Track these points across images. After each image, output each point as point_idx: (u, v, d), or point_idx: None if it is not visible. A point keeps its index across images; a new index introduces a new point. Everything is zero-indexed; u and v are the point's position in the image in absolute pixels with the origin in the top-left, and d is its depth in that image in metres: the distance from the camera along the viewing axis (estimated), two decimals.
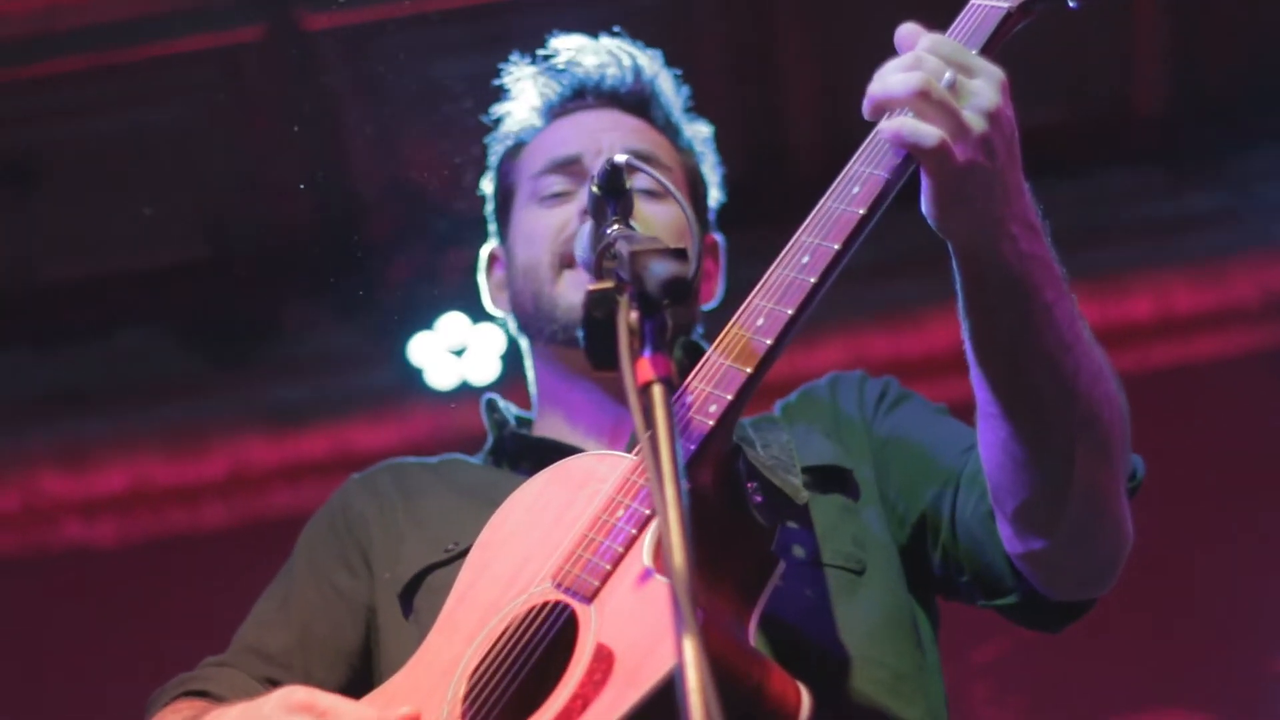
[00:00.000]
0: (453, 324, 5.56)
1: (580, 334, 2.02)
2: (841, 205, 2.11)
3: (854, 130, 2.15)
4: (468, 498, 2.57)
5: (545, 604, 2.08)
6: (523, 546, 2.18)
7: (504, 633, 2.10)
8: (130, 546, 5.87)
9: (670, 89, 2.91)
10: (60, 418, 5.82)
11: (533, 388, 2.87)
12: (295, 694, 2.15)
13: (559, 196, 2.77)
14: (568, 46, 2.91)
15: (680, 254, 1.95)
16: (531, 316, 2.77)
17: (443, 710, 2.07)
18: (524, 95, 2.91)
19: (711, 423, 2.05)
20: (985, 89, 2.06)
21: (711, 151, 2.96)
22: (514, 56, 2.96)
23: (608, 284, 1.99)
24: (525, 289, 2.77)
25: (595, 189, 2.22)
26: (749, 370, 2.08)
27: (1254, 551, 5.68)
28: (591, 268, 2.15)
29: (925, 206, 2.10)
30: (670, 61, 2.95)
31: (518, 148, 2.91)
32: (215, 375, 5.85)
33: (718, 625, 1.98)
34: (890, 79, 2.06)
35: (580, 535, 2.10)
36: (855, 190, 2.11)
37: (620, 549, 2.04)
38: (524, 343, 2.88)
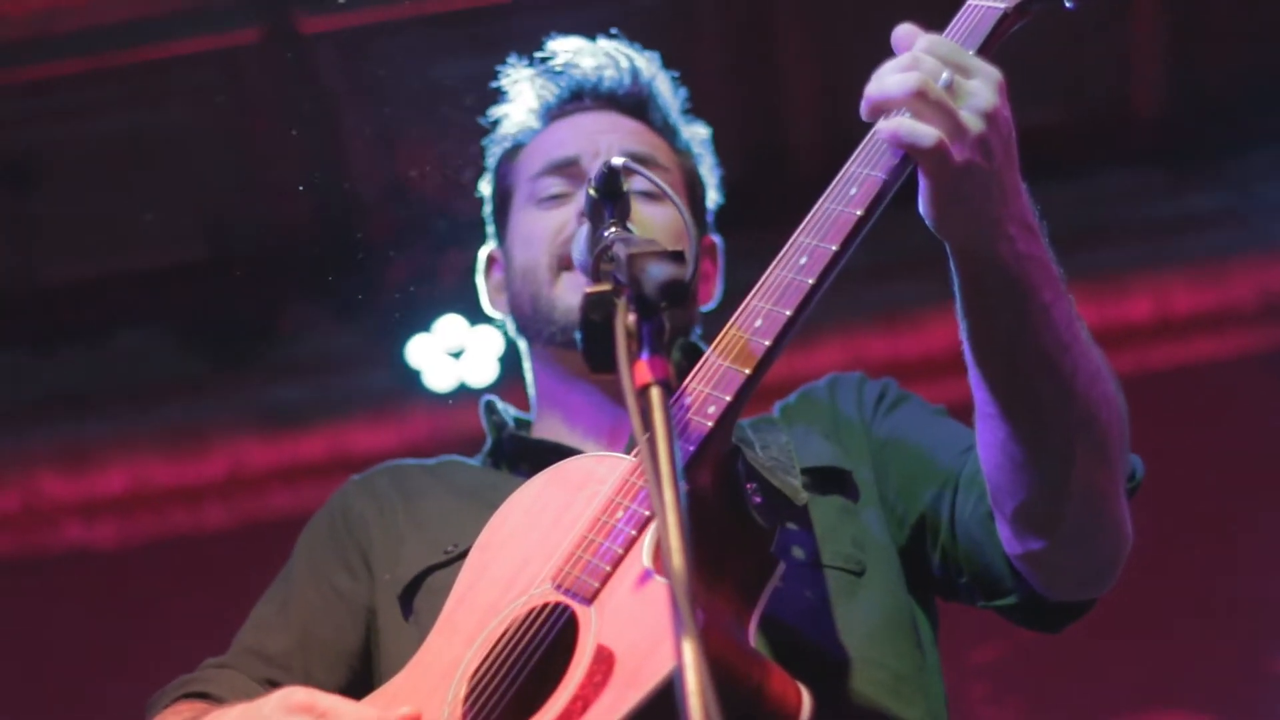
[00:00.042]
0: (451, 326, 5.57)
1: (578, 336, 2.02)
2: (839, 206, 2.11)
3: (852, 131, 2.16)
4: (467, 499, 2.58)
5: (545, 605, 2.08)
6: (522, 548, 2.18)
7: (504, 634, 2.10)
8: (130, 548, 5.87)
9: (668, 91, 2.91)
10: (60, 419, 5.83)
11: (531, 389, 2.87)
12: (295, 695, 2.15)
13: (557, 198, 2.77)
14: (565, 48, 2.91)
15: (678, 256, 1.95)
16: (530, 318, 2.77)
17: (443, 711, 2.07)
18: (522, 97, 2.92)
19: (710, 424, 2.05)
20: (982, 89, 2.06)
21: (709, 153, 2.96)
22: (512, 58, 2.96)
23: (605, 287, 1.99)
24: (523, 291, 2.77)
25: (592, 191, 2.22)
26: (747, 371, 2.08)
27: (1253, 552, 5.68)
28: (589, 270, 2.16)
29: (923, 207, 2.10)
30: (668, 63, 2.95)
31: (515, 149, 2.91)
32: (214, 376, 5.85)
33: (718, 626, 1.98)
34: (887, 80, 2.06)
35: (579, 537, 2.10)
36: (853, 191, 2.11)
37: (620, 550, 2.04)
38: (522, 345, 2.88)
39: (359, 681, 2.49)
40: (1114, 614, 2.68)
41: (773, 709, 1.98)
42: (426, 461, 2.78)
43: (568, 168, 2.78)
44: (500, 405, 2.85)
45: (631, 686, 1.92)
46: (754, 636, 2.04)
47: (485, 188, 2.98)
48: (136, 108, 5.39)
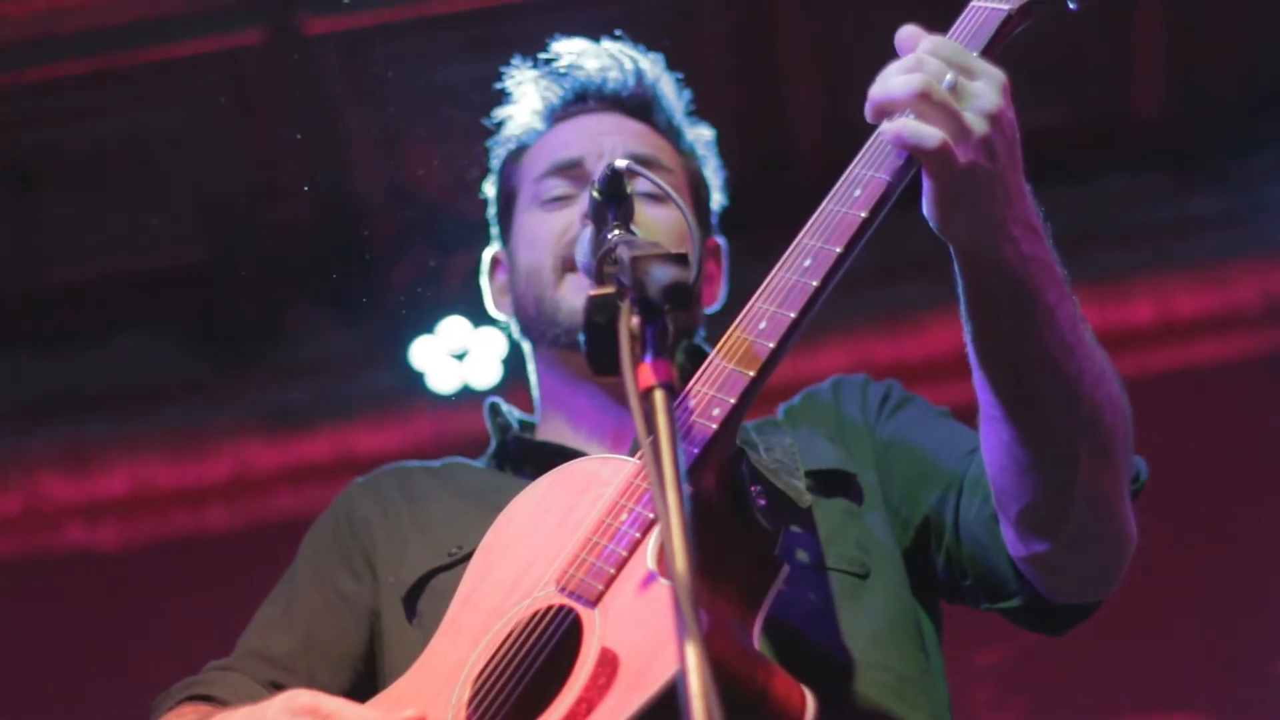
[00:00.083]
0: (454, 328, 5.57)
1: (581, 339, 2.02)
2: (843, 208, 2.11)
3: (856, 133, 2.15)
4: (471, 501, 2.57)
5: (549, 608, 2.08)
6: (526, 550, 2.18)
7: (508, 637, 2.10)
8: (132, 549, 5.87)
9: (672, 92, 2.91)
10: (62, 420, 5.83)
11: (535, 391, 2.87)
12: (299, 697, 2.15)
13: (561, 200, 2.77)
14: (569, 50, 2.91)
15: (681, 259, 1.95)
16: (534, 320, 2.77)
17: (448, 714, 2.07)
18: (526, 99, 2.91)
19: (715, 426, 2.05)
20: (986, 91, 2.06)
21: (713, 154, 2.96)
22: (516, 60, 2.96)
23: (609, 289, 1.99)
24: (527, 293, 2.77)
25: (596, 194, 2.22)
26: (752, 374, 2.07)
27: (1256, 553, 5.68)
28: (592, 273, 2.16)
29: (927, 209, 2.09)
30: (672, 65, 2.95)
31: (519, 151, 2.90)
32: (217, 378, 5.86)
33: (721, 629, 1.98)
34: (891, 81, 2.06)
35: (584, 539, 2.09)
36: (857, 193, 2.11)
37: (624, 553, 2.04)
38: (526, 346, 2.88)
39: (363, 684, 2.49)
40: (1117, 616, 2.68)
41: (776, 712, 1.98)
42: (431, 463, 2.78)
43: (572, 169, 2.78)
44: (504, 407, 2.85)
45: (636, 689, 1.92)
46: (758, 639, 2.04)
47: (489, 189, 2.98)
48: (139, 109, 5.40)
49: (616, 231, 2.15)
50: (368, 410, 5.84)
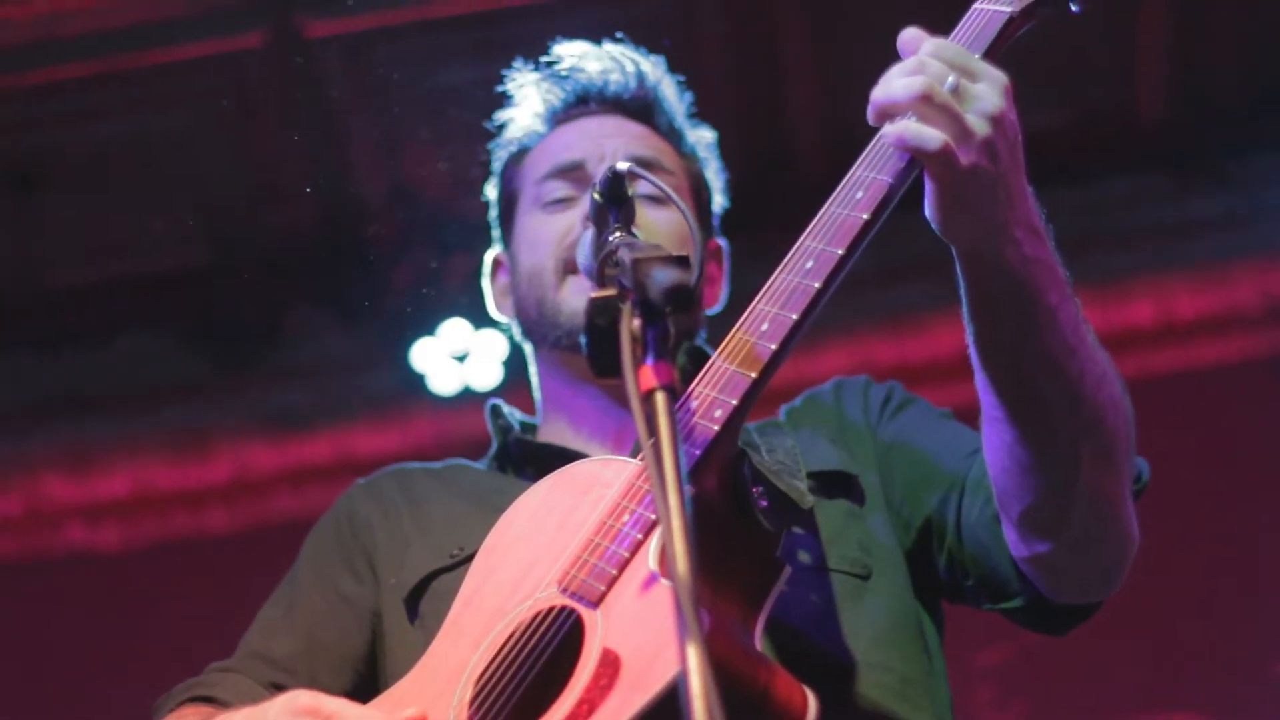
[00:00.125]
0: (455, 329, 5.57)
1: (583, 342, 2.02)
2: (845, 210, 2.12)
3: (857, 134, 2.16)
4: (473, 503, 2.57)
5: (551, 609, 2.08)
6: (528, 551, 2.18)
7: (510, 638, 2.10)
8: (133, 551, 5.87)
9: (673, 94, 2.91)
10: (63, 422, 5.83)
11: (536, 393, 2.87)
12: (300, 698, 2.15)
13: (562, 202, 2.77)
14: (571, 53, 2.91)
15: (682, 261, 1.95)
16: (535, 322, 2.77)
17: (449, 715, 2.07)
18: (527, 101, 2.92)
19: (716, 428, 2.05)
20: (988, 93, 2.06)
21: (715, 156, 2.96)
22: (517, 63, 2.96)
23: (610, 292, 1.99)
24: (529, 295, 2.77)
25: (597, 196, 2.22)
26: (754, 375, 2.08)
27: (1257, 554, 5.68)
28: (593, 275, 2.16)
29: (929, 211, 2.10)
30: (673, 67, 2.95)
31: (521, 153, 2.91)
32: (218, 380, 5.86)
33: (723, 630, 1.98)
34: (893, 83, 2.06)
35: (586, 540, 2.10)
36: (859, 195, 2.12)
37: (626, 554, 2.04)
38: (528, 348, 2.88)
39: (364, 685, 2.49)
40: (1119, 616, 2.68)
41: (778, 712, 1.98)
42: (432, 465, 2.78)
43: (573, 171, 2.78)
44: (506, 409, 2.85)
45: (637, 690, 1.92)
46: (760, 640, 2.04)
47: (490, 192, 2.98)
48: (141, 111, 5.40)
49: (618, 234, 2.15)
50: (368, 412, 5.84)
